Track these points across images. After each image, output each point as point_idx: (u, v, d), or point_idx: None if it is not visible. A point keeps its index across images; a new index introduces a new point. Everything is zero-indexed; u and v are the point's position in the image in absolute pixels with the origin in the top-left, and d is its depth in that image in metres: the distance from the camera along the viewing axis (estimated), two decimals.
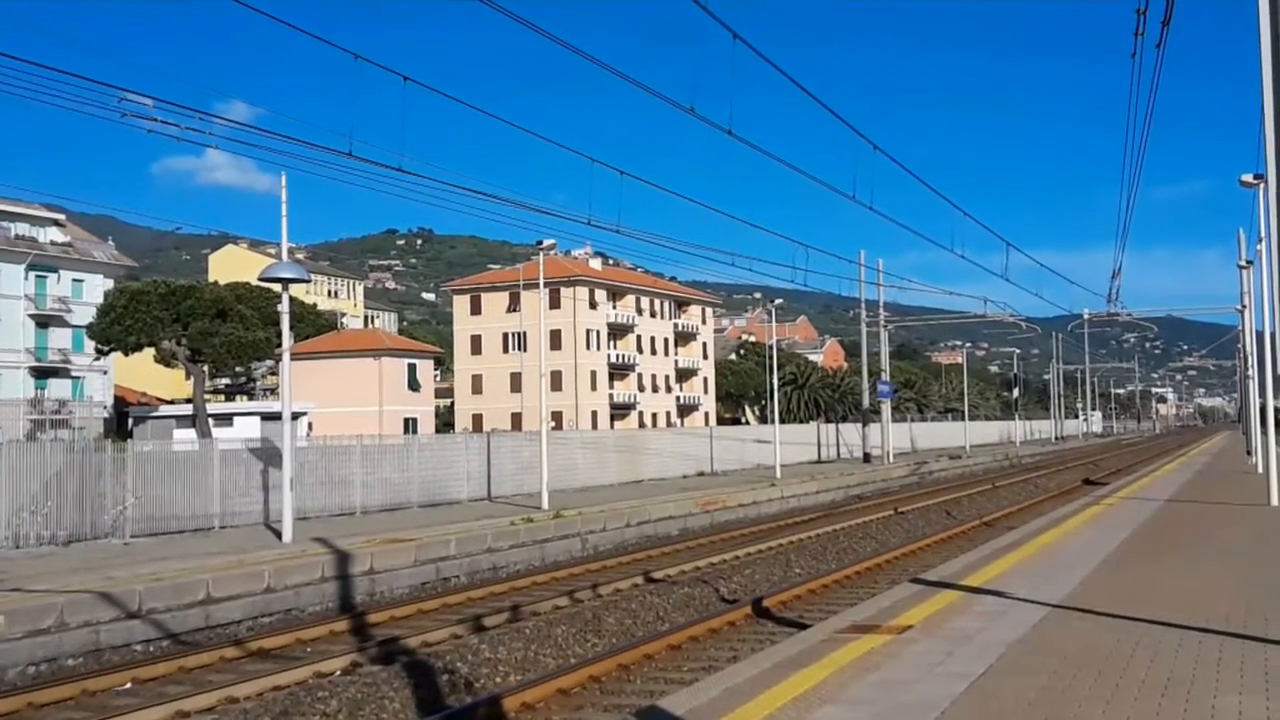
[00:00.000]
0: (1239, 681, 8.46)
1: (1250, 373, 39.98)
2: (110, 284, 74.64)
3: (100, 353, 65.74)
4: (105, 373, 76.67)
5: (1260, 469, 33.06)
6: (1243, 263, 34.45)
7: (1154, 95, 18.43)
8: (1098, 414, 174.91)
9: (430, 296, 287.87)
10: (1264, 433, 31.65)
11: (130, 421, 66.87)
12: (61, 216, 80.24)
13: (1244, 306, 38.26)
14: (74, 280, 78.68)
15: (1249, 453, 46.06)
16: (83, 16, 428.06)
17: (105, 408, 76.54)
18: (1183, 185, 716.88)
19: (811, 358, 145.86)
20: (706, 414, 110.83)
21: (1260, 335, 30.50)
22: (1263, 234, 22.41)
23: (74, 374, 76.78)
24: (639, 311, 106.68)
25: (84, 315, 69.67)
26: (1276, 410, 29.35)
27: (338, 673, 14.05)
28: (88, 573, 18.86)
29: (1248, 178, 23.65)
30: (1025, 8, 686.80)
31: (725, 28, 16.49)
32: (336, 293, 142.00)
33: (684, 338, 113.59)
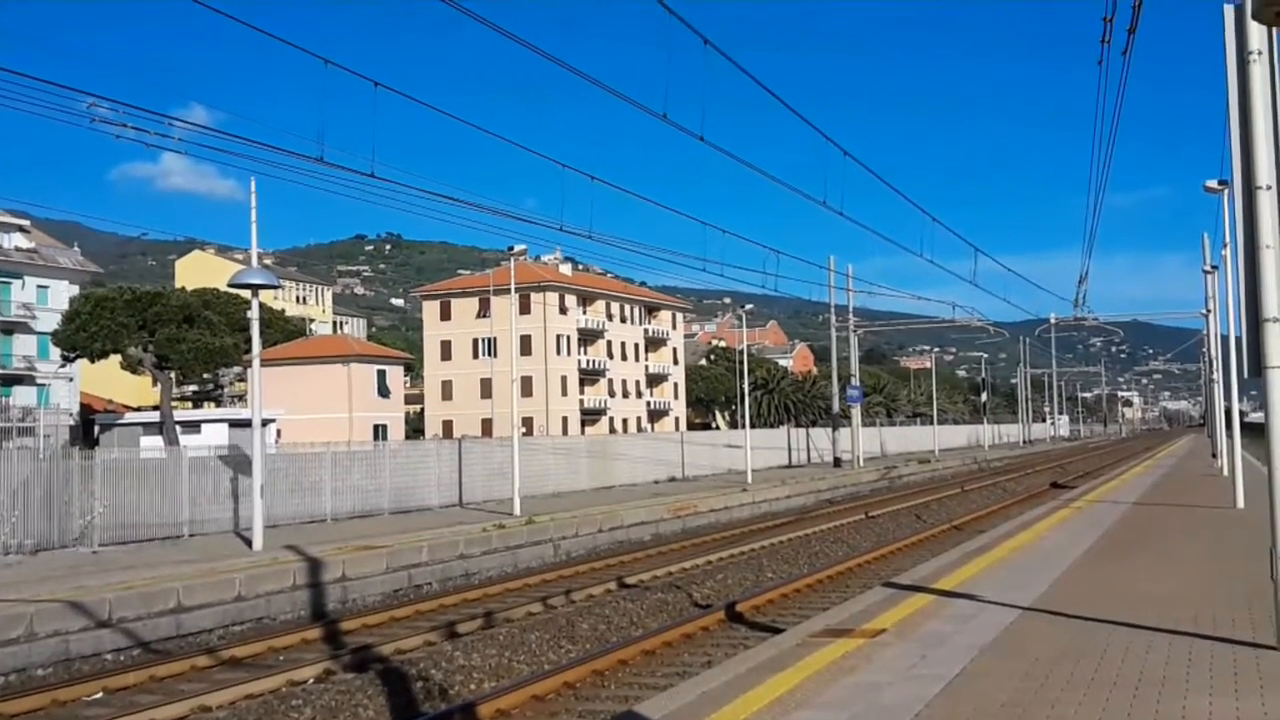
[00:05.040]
0: (1209, 682, 8.56)
1: (1215, 376, 40.39)
2: (75, 290, 73.98)
3: (66, 360, 65.13)
4: (71, 380, 75.99)
5: (1225, 472, 33.41)
6: (1207, 268, 34.80)
7: (1120, 102, 18.65)
8: (1065, 418, 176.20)
9: (399, 302, 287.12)
10: (1229, 436, 31.99)
11: (96, 429, 66.24)
12: (26, 222, 79.53)
13: (1209, 311, 38.62)
14: (39, 286, 77.99)
15: (1214, 455, 46.52)
16: (27, 14, 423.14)
17: (71, 415, 75.75)
18: (1145, 191, 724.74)
19: (782, 362, 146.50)
20: (677, 419, 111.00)
21: (1225, 339, 30.88)
22: (1227, 239, 22.69)
23: (39, 381, 76.04)
24: (609, 317, 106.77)
25: (49, 322, 69.04)
26: (1241, 414, 29.66)
27: (311, 680, 13.99)
28: (56, 582, 18.69)
29: (1212, 184, 23.94)
30: (993, 14, 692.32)
31: (697, 34, 16.58)
32: (305, 299, 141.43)
33: (654, 343, 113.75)
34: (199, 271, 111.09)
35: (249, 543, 23.98)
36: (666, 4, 14.67)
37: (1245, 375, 9.57)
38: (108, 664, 16.03)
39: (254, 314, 25.40)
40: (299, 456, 32.53)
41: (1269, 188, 9.04)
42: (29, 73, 18.61)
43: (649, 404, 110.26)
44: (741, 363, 59.41)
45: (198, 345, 58.11)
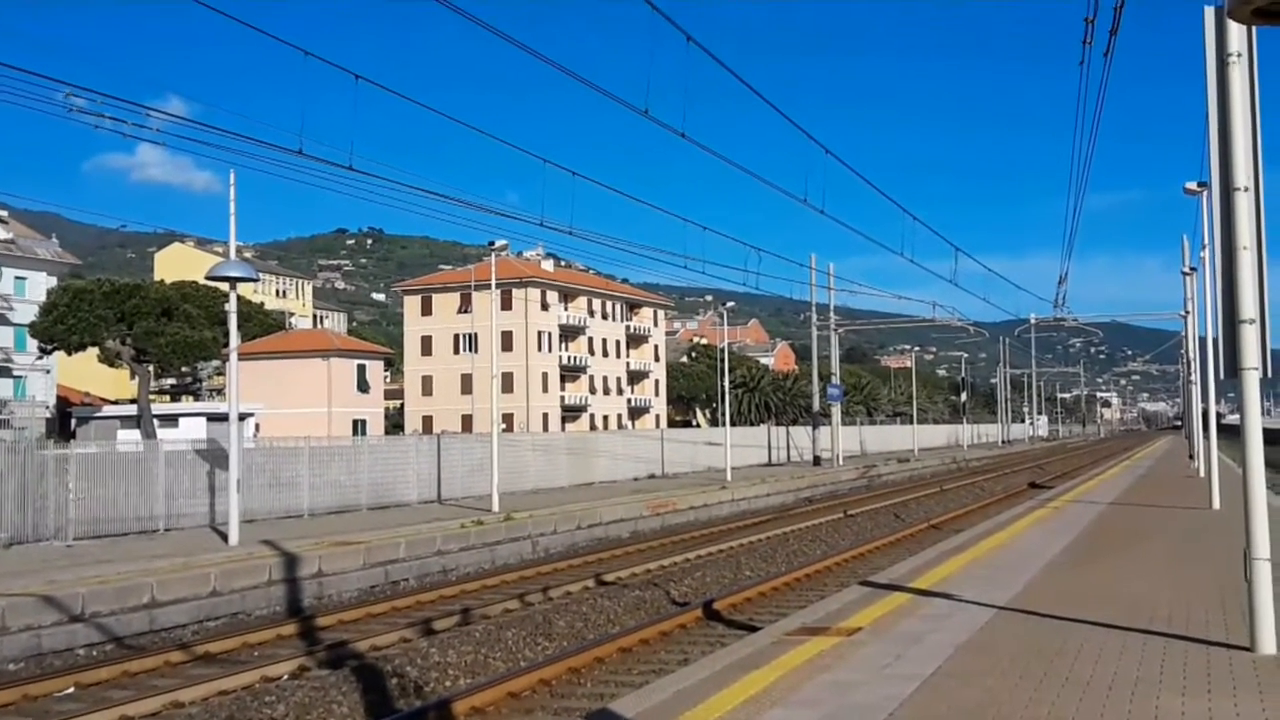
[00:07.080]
0: (1182, 683, 8.58)
1: (1193, 378, 40.56)
2: (53, 282, 73.43)
3: (43, 352, 64.74)
4: (48, 372, 75.44)
5: (1202, 473, 33.58)
6: (1186, 269, 34.96)
7: (1101, 103, 18.71)
8: (1044, 418, 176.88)
9: (380, 297, 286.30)
10: (1206, 437, 32.16)
11: (73, 422, 65.84)
12: (3, 213, 78.96)
13: (1187, 312, 38.84)
14: (16, 278, 77.37)
15: (1191, 457, 46.76)
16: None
17: (48, 408, 75.27)
18: (1123, 193, 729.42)
19: (762, 361, 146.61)
20: (657, 416, 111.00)
21: (1203, 341, 31.01)
22: (1206, 240, 22.79)
23: (16, 373, 75.49)
24: (591, 313, 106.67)
25: (27, 313, 68.57)
26: (1218, 415, 29.80)
27: (285, 677, 13.92)
28: (30, 576, 18.54)
29: (1192, 185, 24.04)
30: (975, 16, 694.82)
31: (680, 30, 16.56)
32: (285, 292, 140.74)
33: (635, 340, 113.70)
34: (178, 264, 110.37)
35: (225, 537, 23.83)
36: (650, 0, 14.62)
37: (1222, 376, 9.60)
38: (80, 659, 15.90)
39: (232, 307, 25.23)
40: (277, 451, 32.37)
41: (1246, 189, 9.08)
42: (3, 60, 18.44)
43: (630, 401, 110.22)
44: (722, 360, 59.40)
45: (176, 338, 57.85)
